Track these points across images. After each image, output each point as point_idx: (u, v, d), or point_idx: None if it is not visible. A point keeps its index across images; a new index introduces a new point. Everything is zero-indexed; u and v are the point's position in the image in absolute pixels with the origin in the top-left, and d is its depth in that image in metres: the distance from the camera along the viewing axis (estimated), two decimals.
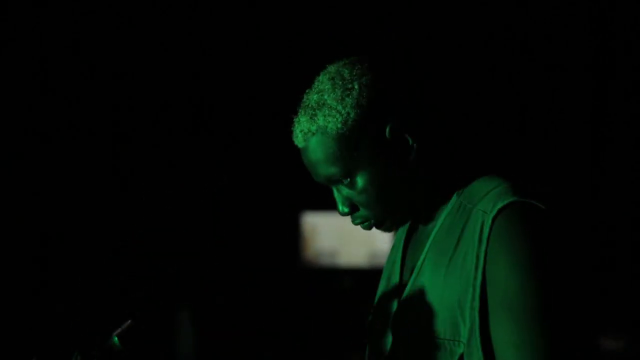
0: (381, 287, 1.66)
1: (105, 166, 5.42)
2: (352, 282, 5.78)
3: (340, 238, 5.79)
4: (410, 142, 1.46)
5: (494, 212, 1.39)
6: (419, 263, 1.51)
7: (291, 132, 1.51)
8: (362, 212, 1.50)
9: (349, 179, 1.47)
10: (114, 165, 5.46)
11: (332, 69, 1.49)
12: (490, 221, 1.39)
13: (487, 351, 1.38)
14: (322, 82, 1.48)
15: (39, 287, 5.18)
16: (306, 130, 1.47)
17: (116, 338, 1.39)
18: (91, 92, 5.40)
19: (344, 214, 1.52)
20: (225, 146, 5.64)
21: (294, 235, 5.77)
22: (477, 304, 1.39)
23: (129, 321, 1.40)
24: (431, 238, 1.50)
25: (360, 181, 1.47)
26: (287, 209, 5.73)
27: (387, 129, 1.45)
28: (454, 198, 1.50)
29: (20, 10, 5.12)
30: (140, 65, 5.44)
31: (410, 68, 1.50)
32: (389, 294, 1.59)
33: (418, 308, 1.48)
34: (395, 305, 1.55)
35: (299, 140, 1.50)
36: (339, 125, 1.44)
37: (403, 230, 1.64)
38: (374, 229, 1.54)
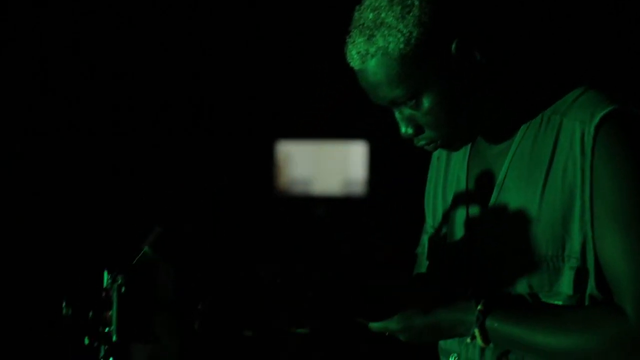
0: (439, 205, 1.59)
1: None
2: (326, 210, 5.78)
3: (314, 166, 5.77)
4: (478, 57, 1.37)
5: (596, 121, 1.33)
6: (500, 180, 1.45)
7: (344, 52, 1.42)
8: (428, 133, 1.43)
9: (414, 101, 1.39)
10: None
11: None
12: (592, 131, 1.33)
13: (597, 265, 1.35)
14: (382, 7, 1.37)
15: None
16: (364, 52, 1.38)
17: (147, 248, 1.32)
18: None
19: (407, 137, 1.44)
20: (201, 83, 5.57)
21: (267, 163, 5.74)
22: (588, 216, 1.34)
23: (156, 230, 1.34)
24: (511, 154, 1.44)
25: (426, 102, 1.39)
26: (260, 137, 5.69)
27: (453, 46, 1.36)
28: (531, 108, 1.43)
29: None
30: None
31: None
32: (460, 212, 1.53)
33: (507, 226, 1.43)
34: (473, 223, 1.49)
35: (355, 62, 1.41)
36: (401, 46, 1.35)
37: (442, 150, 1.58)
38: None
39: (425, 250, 1.64)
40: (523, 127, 1.43)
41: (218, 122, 5.64)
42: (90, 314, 1.25)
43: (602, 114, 1.33)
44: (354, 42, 1.39)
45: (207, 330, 1.34)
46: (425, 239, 1.66)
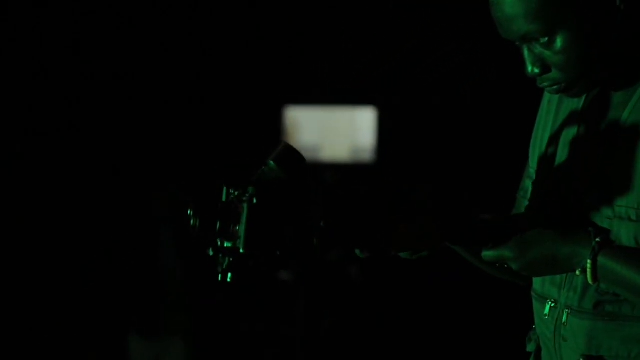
0: (549, 148, 1.55)
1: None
2: (335, 177, 5.76)
3: (323, 133, 5.74)
4: (619, 2, 1.35)
5: None
6: (618, 126, 1.42)
7: None
8: (554, 74, 1.39)
9: (547, 38, 1.36)
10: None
11: None
12: None
13: None
14: None
15: None
16: None
17: (272, 162, 1.29)
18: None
19: (533, 75, 1.40)
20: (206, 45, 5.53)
21: (275, 129, 5.72)
22: None
23: (282, 144, 1.31)
24: (632, 104, 1.41)
25: (560, 40, 1.36)
26: (268, 104, 5.66)
27: None
28: None
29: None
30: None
31: None
32: (572, 153, 1.50)
33: (619, 171, 1.40)
34: (585, 165, 1.46)
35: None
36: None
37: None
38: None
39: (528, 194, 1.61)
40: None
41: (225, 89, 5.62)
42: (218, 225, 1.24)
43: None
44: None
45: (326, 248, 1.32)
46: (527, 183, 1.63)
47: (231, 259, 1.23)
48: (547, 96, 1.59)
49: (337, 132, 5.68)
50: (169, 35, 5.46)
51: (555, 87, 1.42)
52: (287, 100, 5.68)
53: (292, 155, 1.28)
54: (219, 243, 1.25)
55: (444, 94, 5.48)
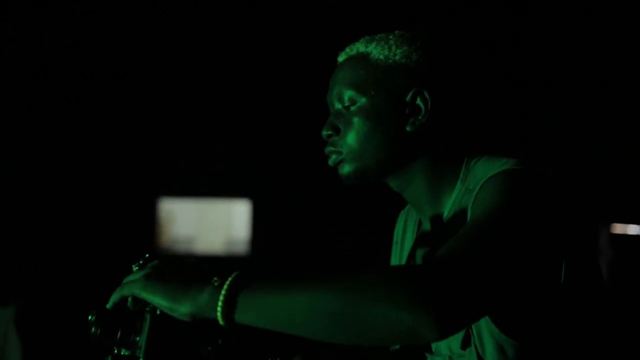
0: None
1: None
2: (209, 269, 5.75)
3: (197, 225, 5.75)
4: (421, 114, 1.44)
5: (484, 179, 1.35)
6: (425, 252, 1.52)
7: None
8: (340, 139, 1.47)
9: (353, 107, 1.47)
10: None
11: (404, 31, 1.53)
12: (478, 188, 1.35)
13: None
14: (395, 33, 1.50)
15: None
16: (354, 50, 1.50)
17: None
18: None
19: (325, 137, 1.49)
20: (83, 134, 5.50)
21: (150, 221, 5.69)
22: None
23: (191, 259, 1.32)
24: (443, 229, 1.47)
25: (358, 110, 1.46)
26: (143, 195, 5.65)
27: (411, 92, 1.44)
28: (459, 183, 1.47)
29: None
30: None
31: (458, 51, 1.52)
32: None
33: None
34: None
35: (341, 55, 1.51)
36: (380, 57, 1.46)
37: (401, 227, 1.63)
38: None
39: None
40: (452, 197, 1.48)
41: (101, 178, 5.57)
42: (119, 334, 1.23)
43: (491, 173, 1.39)
44: (355, 43, 1.50)
45: None
46: None
47: None
48: (394, 238, 1.71)
49: (211, 224, 5.70)
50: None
51: (334, 156, 1.48)
52: (161, 192, 5.69)
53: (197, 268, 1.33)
54: (116, 351, 1.27)
55: (317, 188, 5.59)
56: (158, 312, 1.23)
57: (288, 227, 5.70)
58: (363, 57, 1.48)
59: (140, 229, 5.62)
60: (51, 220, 5.45)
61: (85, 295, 5.19)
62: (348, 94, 1.47)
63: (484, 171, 1.40)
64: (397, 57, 1.45)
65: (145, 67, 5.40)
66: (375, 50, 1.47)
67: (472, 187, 1.39)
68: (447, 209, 1.48)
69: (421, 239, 1.58)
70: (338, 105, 1.50)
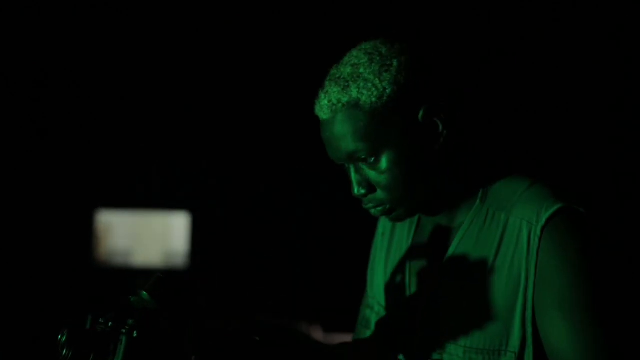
0: (380, 280, 1.57)
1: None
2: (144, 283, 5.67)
3: (135, 237, 5.66)
4: (441, 128, 1.40)
5: (542, 222, 1.35)
6: (443, 264, 1.45)
7: (314, 104, 1.42)
8: (379, 194, 1.42)
9: (373, 158, 1.39)
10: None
11: (367, 45, 1.42)
12: (539, 232, 1.34)
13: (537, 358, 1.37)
14: (357, 56, 1.40)
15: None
16: (335, 102, 1.39)
17: (145, 293, 1.26)
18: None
19: (359, 196, 1.43)
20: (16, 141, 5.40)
21: (86, 233, 5.59)
22: (529, 314, 1.36)
23: (156, 275, 1.27)
24: (455, 243, 1.45)
25: (384, 161, 1.39)
26: (79, 206, 5.54)
27: (421, 112, 1.39)
28: (477, 201, 1.45)
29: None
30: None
31: (447, 55, 1.45)
32: (401, 290, 1.52)
33: (446, 312, 1.41)
34: (413, 303, 1.48)
35: (324, 111, 1.41)
36: (374, 99, 1.37)
37: (386, 221, 1.57)
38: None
39: (370, 324, 1.63)
40: (470, 215, 1.45)
41: (36, 188, 5.47)
42: (92, 357, 1.19)
43: (547, 215, 1.37)
44: (327, 92, 1.41)
45: None
46: (368, 313, 1.65)
47: None
48: (380, 229, 1.67)
49: (149, 237, 5.62)
50: None
51: (379, 208, 1.45)
52: (98, 203, 5.59)
53: (167, 287, 1.29)
54: None
55: (258, 200, 5.56)
56: (135, 334, 1.19)
57: (227, 239, 5.64)
58: (353, 107, 1.38)
59: (76, 241, 5.51)
60: None
61: (14, 313, 5.07)
62: (361, 147, 1.39)
63: (508, 195, 1.38)
64: (388, 91, 1.38)
65: (83, 73, 5.33)
66: (362, 95, 1.38)
67: (496, 212, 1.37)
68: (463, 225, 1.45)
69: (423, 243, 1.54)
70: (353, 161, 1.44)
